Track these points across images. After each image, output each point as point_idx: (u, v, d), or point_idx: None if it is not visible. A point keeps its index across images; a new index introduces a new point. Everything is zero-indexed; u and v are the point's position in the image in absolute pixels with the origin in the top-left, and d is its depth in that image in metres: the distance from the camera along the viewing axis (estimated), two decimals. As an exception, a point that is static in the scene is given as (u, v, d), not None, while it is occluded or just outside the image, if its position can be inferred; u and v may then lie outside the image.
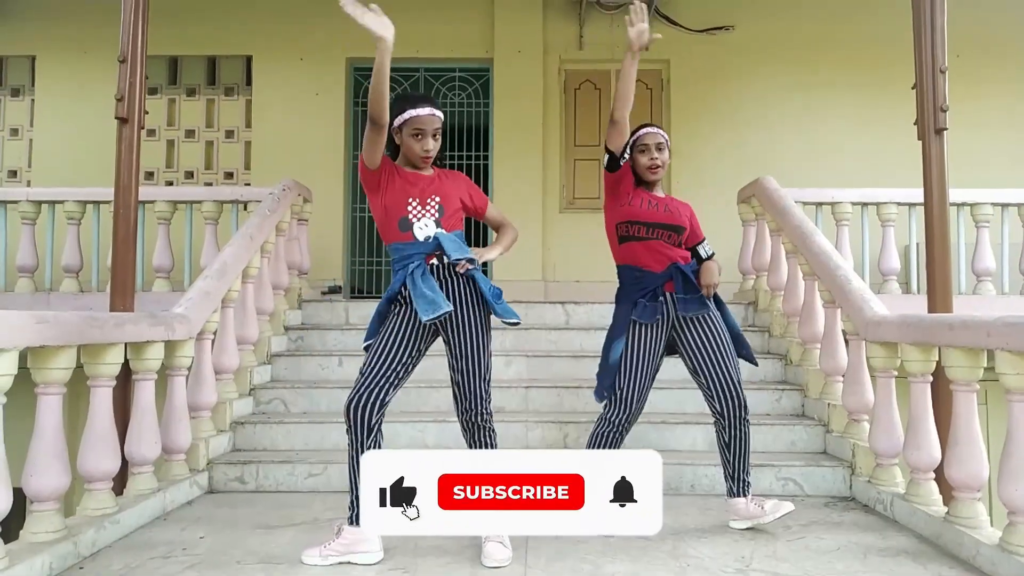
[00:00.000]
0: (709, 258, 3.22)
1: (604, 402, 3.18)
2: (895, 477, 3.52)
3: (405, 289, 2.75)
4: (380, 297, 2.90)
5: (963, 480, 2.89)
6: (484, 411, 2.79)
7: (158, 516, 3.34)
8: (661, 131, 3.20)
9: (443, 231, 2.79)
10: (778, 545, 2.97)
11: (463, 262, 2.76)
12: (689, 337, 3.11)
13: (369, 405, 2.69)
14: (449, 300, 2.72)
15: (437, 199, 2.81)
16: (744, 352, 3.21)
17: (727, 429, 3.08)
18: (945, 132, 3.76)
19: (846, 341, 4.05)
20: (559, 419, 4.25)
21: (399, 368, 2.75)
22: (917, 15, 3.81)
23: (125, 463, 3.29)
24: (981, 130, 7.18)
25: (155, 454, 3.43)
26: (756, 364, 3.34)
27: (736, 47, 7.48)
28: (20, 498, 2.56)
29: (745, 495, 3.13)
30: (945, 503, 3.13)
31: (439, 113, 2.83)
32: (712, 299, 3.15)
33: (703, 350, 3.08)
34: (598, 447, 3.13)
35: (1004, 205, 5.74)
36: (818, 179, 6.57)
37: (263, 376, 4.79)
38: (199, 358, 3.92)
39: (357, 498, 2.65)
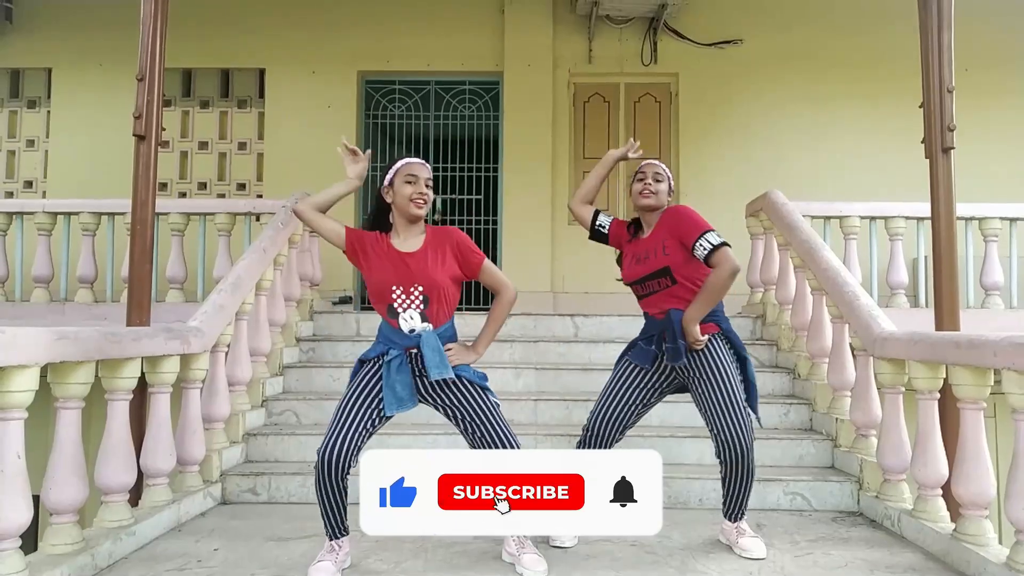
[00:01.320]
0: (707, 260, 2.95)
1: None
2: (903, 493, 3.53)
3: (379, 361, 2.79)
4: None
5: (970, 498, 2.91)
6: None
7: (172, 527, 3.39)
8: (662, 165, 3.25)
9: (429, 327, 2.76)
10: (786, 560, 2.99)
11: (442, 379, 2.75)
12: (695, 379, 3.03)
13: (345, 456, 2.65)
14: (429, 385, 2.78)
15: (420, 288, 2.75)
16: (751, 402, 3.08)
17: (722, 469, 3.04)
18: (952, 151, 3.78)
19: (854, 356, 4.07)
20: (568, 432, 4.27)
21: (370, 421, 2.74)
22: (924, 35, 3.84)
23: (140, 475, 3.34)
24: (990, 143, 7.21)
25: (170, 466, 3.48)
26: (758, 417, 3.14)
27: (745, 61, 7.52)
28: (35, 506, 2.61)
29: (734, 520, 3.11)
30: (953, 520, 3.15)
31: (429, 167, 2.88)
32: (730, 349, 3.06)
33: (703, 396, 3.00)
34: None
35: (1013, 219, 5.75)
36: (826, 193, 6.61)
37: (275, 388, 4.84)
38: (213, 370, 3.98)
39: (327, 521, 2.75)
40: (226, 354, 4.17)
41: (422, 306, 2.76)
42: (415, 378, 2.79)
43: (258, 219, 5.90)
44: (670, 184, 3.22)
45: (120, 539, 2.99)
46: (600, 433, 3.09)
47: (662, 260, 3.05)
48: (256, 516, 3.63)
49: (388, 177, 2.85)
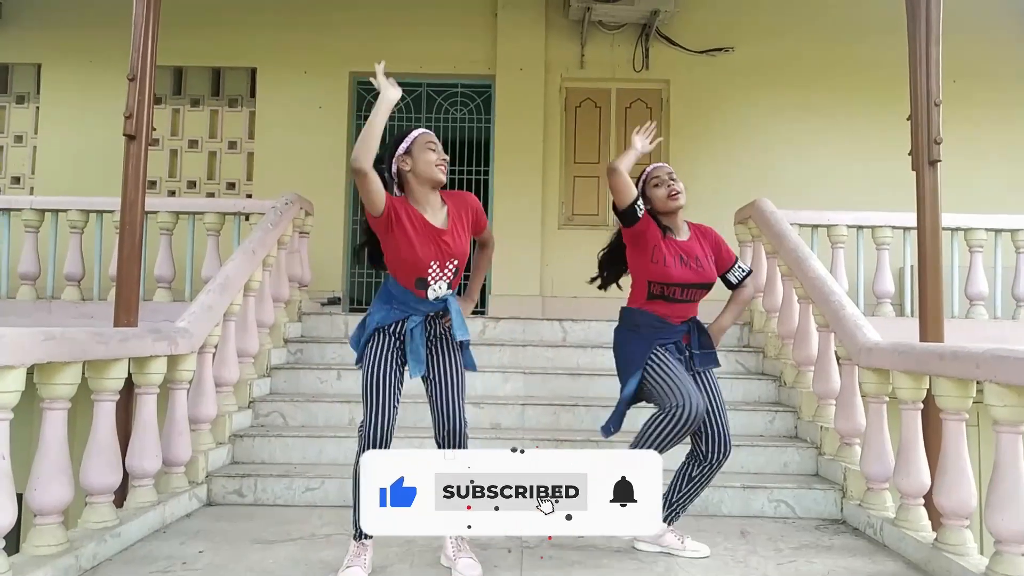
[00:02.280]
0: (740, 284, 3.25)
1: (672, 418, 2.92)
2: (886, 502, 3.57)
3: (398, 330, 2.85)
4: None
5: (952, 508, 2.94)
6: (460, 424, 2.85)
7: (157, 529, 3.38)
8: (668, 166, 3.27)
9: (451, 292, 2.91)
10: (769, 568, 3.02)
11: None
12: (697, 384, 3.08)
13: (389, 433, 2.77)
14: (431, 342, 2.90)
15: (455, 263, 2.85)
16: None
17: (701, 468, 3.08)
18: (939, 163, 3.81)
19: (839, 364, 4.10)
20: (555, 436, 4.29)
21: (399, 392, 2.84)
22: (912, 48, 3.88)
23: (126, 475, 3.33)
24: (976, 154, 7.28)
25: (156, 467, 3.47)
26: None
27: (736, 69, 7.56)
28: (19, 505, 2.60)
29: (672, 523, 3.17)
30: (934, 529, 3.18)
31: None
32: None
33: (707, 398, 3.07)
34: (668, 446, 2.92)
35: (997, 231, 5.81)
36: (814, 201, 6.65)
37: (262, 389, 4.83)
38: (200, 371, 3.97)
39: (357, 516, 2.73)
40: (213, 355, 4.16)
41: (451, 276, 2.87)
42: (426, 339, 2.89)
43: (247, 219, 5.89)
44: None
45: (104, 540, 2.98)
46: (698, 409, 2.91)
47: (712, 275, 3.17)
48: (242, 518, 3.62)
49: (404, 147, 2.86)
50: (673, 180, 3.17)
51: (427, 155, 2.83)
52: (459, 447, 2.85)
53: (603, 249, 3.41)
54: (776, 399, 4.89)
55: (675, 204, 3.15)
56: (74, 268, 5.80)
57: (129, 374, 3.29)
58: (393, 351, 2.84)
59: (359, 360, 2.90)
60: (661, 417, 2.91)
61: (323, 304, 6.94)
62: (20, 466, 2.66)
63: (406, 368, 2.86)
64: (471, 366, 3.00)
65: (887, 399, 3.57)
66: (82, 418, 3.19)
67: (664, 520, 3.11)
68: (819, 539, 3.46)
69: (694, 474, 3.10)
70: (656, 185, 3.18)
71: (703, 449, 3.06)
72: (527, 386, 4.97)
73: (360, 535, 2.79)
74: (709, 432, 3.04)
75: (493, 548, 3.17)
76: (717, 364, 3.18)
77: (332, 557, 3.02)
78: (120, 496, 3.32)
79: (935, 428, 3.28)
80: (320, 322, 5.77)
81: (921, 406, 3.32)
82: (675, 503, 3.15)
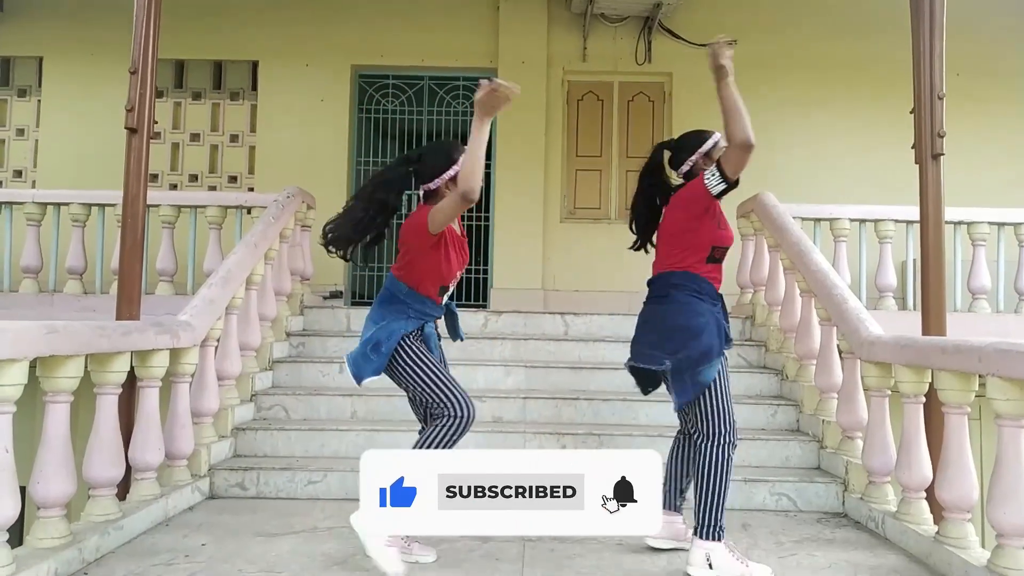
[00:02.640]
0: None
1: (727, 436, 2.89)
2: (887, 495, 3.57)
3: (418, 339, 2.94)
4: None
5: (953, 501, 2.94)
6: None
7: (160, 522, 3.39)
8: None
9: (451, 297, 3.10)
10: (771, 561, 3.01)
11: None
12: None
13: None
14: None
15: (462, 272, 3.04)
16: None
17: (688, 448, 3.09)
18: (942, 157, 3.81)
19: (841, 358, 4.10)
20: (557, 430, 4.30)
21: None
22: (916, 42, 3.87)
23: (128, 468, 3.34)
24: (981, 148, 7.26)
25: (158, 460, 3.47)
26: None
27: (739, 62, 7.36)
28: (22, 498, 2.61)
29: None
30: (936, 522, 3.18)
31: None
32: None
33: None
34: (727, 485, 2.86)
35: (1001, 224, 5.80)
36: (817, 195, 6.64)
37: (264, 382, 4.84)
38: (202, 365, 3.97)
39: None
40: (216, 348, 4.17)
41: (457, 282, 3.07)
42: None
43: (249, 212, 5.88)
44: None
45: (107, 533, 2.99)
46: None
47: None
48: (244, 511, 3.63)
49: (453, 172, 2.88)
50: None
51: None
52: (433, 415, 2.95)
53: (635, 212, 3.27)
54: (778, 393, 4.88)
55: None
56: (76, 261, 5.80)
57: (131, 367, 3.30)
58: (423, 348, 2.93)
59: (374, 371, 2.89)
60: (714, 449, 2.86)
61: (325, 297, 6.95)
62: (23, 459, 2.67)
63: None
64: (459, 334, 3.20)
65: (889, 393, 3.57)
66: (85, 411, 3.20)
67: (676, 509, 3.15)
68: (820, 532, 3.47)
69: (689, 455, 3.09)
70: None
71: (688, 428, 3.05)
72: (529, 380, 4.97)
73: None
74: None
75: (494, 542, 3.18)
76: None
77: (334, 550, 3.04)
78: (123, 489, 3.33)
79: (937, 422, 3.28)
80: (322, 315, 5.77)
81: (923, 400, 3.32)
82: (682, 490, 3.16)
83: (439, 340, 3.07)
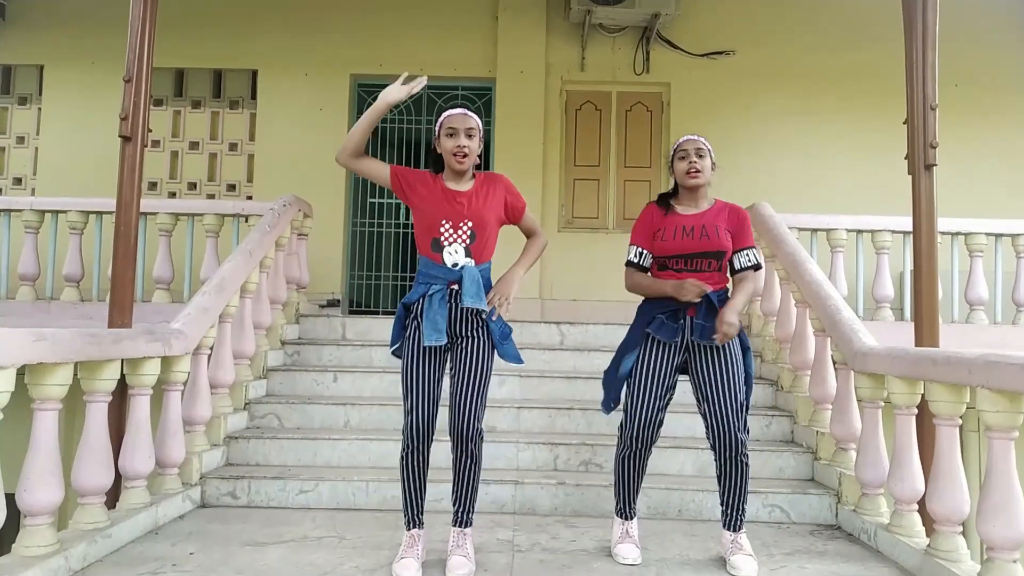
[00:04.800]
0: (741, 271, 3.10)
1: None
2: (880, 507, 3.55)
3: (420, 303, 2.85)
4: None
5: (945, 514, 2.92)
6: (472, 426, 2.82)
7: (150, 530, 3.38)
8: (702, 139, 3.13)
9: (471, 262, 2.85)
10: (762, 574, 3.00)
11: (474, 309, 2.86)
12: (701, 363, 3.01)
13: (428, 427, 2.82)
14: (459, 327, 2.86)
15: (469, 224, 2.85)
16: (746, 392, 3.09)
17: (718, 464, 3.01)
18: (935, 168, 3.80)
19: (835, 369, 4.09)
20: (550, 440, 4.28)
21: (435, 390, 2.85)
22: (909, 53, 3.87)
23: (118, 476, 3.33)
24: (977, 159, 7.28)
25: (149, 468, 3.46)
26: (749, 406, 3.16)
27: (736, 72, 7.56)
28: (11, 505, 2.60)
29: (733, 531, 3.05)
30: (928, 535, 3.16)
31: (472, 115, 2.91)
32: (737, 337, 3.06)
33: (711, 381, 2.98)
34: (621, 472, 3.13)
35: (998, 235, 5.79)
36: (814, 205, 6.65)
37: (258, 391, 4.83)
38: (195, 373, 3.97)
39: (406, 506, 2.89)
40: (209, 356, 4.16)
41: (468, 241, 2.85)
42: (451, 315, 2.86)
43: (247, 220, 5.89)
44: (712, 158, 3.12)
45: (95, 541, 2.98)
46: (647, 429, 3.01)
47: (723, 243, 3.04)
48: (235, 520, 3.62)
49: (436, 129, 2.95)
50: (699, 156, 3.06)
51: (445, 143, 2.87)
52: (469, 450, 2.84)
53: None
54: (773, 403, 4.87)
55: (691, 181, 3.06)
56: (73, 269, 5.81)
57: (123, 375, 3.30)
58: (420, 344, 2.83)
59: (395, 350, 2.94)
60: (617, 443, 3.16)
61: (322, 306, 6.95)
62: (11, 467, 2.67)
63: (438, 363, 2.87)
64: (511, 358, 2.98)
65: (882, 404, 3.56)
66: (78, 418, 3.19)
67: (724, 526, 3.07)
68: (812, 544, 3.45)
69: (717, 472, 3.02)
70: (681, 157, 3.10)
71: (710, 441, 2.99)
72: (523, 389, 4.96)
73: (410, 525, 2.88)
74: (712, 420, 2.96)
75: (484, 552, 3.17)
76: (708, 337, 2.96)
77: (323, 559, 3.03)
78: (112, 497, 3.32)
79: (929, 434, 3.26)
80: (318, 324, 5.77)
81: (915, 411, 3.30)
82: (724, 509, 3.06)
83: (464, 329, 2.87)
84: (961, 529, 2.96)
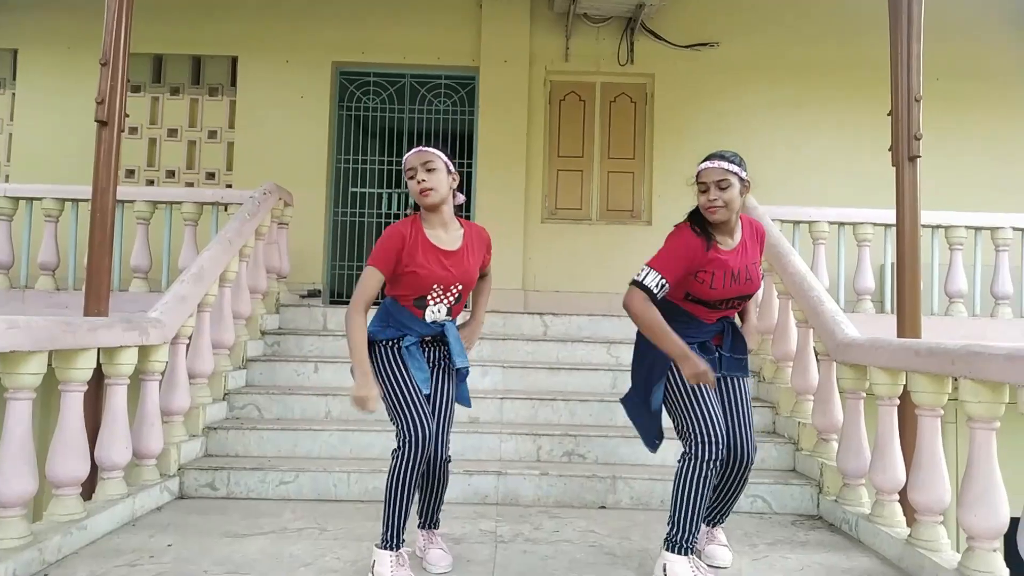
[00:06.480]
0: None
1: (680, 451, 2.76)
2: (861, 497, 3.57)
3: (396, 348, 2.76)
4: None
5: (925, 504, 2.93)
6: (444, 451, 2.78)
7: (127, 522, 3.33)
8: (726, 163, 2.70)
9: (451, 320, 2.81)
10: (743, 564, 3.00)
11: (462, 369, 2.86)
12: (722, 388, 2.87)
13: (439, 442, 2.76)
14: (429, 364, 2.82)
15: (460, 287, 2.77)
16: None
17: (721, 477, 2.86)
18: (919, 159, 3.81)
19: (818, 360, 4.10)
20: (533, 431, 4.26)
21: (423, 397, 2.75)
22: (894, 44, 3.87)
23: (94, 467, 3.27)
24: (959, 153, 7.33)
25: (126, 459, 3.41)
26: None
27: (720, 64, 7.55)
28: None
29: (710, 525, 3.02)
30: (909, 525, 3.18)
31: (429, 149, 2.74)
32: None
33: (728, 403, 2.85)
34: (698, 496, 2.66)
35: (978, 228, 5.83)
36: (797, 197, 6.68)
37: (238, 381, 4.78)
38: (173, 362, 3.91)
39: (392, 524, 2.65)
40: (187, 346, 4.10)
41: (453, 301, 2.79)
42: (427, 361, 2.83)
43: (226, 209, 5.82)
44: (742, 180, 2.71)
45: (70, 533, 2.92)
46: (724, 448, 2.70)
47: (760, 283, 2.89)
48: (214, 511, 3.58)
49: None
50: (720, 188, 2.68)
51: (410, 185, 2.76)
52: (440, 474, 2.81)
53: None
54: (755, 395, 4.88)
55: (712, 217, 2.72)
56: (48, 257, 5.72)
57: (99, 365, 3.24)
58: (400, 359, 2.74)
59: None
60: (689, 468, 2.68)
61: (303, 296, 6.89)
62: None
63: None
64: (464, 401, 2.93)
65: (864, 395, 3.57)
66: (53, 409, 3.13)
67: (705, 520, 2.99)
68: (794, 535, 3.46)
69: (717, 484, 2.88)
70: (703, 191, 2.72)
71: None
72: (506, 380, 4.94)
73: (397, 545, 2.64)
74: (728, 438, 2.80)
75: (467, 542, 3.15)
76: (747, 373, 2.90)
77: (302, 551, 2.99)
78: (89, 489, 3.27)
79: (910, 424, 3.28)
80: (299, 314, 5.71)
81: (897, 402, 3.31)
82: (713, 508, 2.98)
83: (434, 366, 2.83)
84: (942, 519, 2.97)
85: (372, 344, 2.77)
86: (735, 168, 2.70)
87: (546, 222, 7.54)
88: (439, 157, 2.75)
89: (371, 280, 2.70)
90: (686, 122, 7.48)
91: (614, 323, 5.62)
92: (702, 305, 2.79)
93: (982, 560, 2.59)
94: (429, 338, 2.81)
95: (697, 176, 2.76)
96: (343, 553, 2.98)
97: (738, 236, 2.81)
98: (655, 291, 2.66)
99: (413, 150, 2.77)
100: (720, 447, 2.66)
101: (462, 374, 2.90)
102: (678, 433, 2.79)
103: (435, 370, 2.84)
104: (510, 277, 7.23)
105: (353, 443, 4.18)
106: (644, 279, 2.68)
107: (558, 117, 7.65)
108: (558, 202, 7.58)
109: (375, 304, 2.78)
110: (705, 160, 2.76)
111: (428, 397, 2.78)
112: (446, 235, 2.78)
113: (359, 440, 4.18)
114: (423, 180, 2.71)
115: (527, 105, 7.48)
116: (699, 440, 2.67)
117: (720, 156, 2.73)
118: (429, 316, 2.76)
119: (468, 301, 3.03)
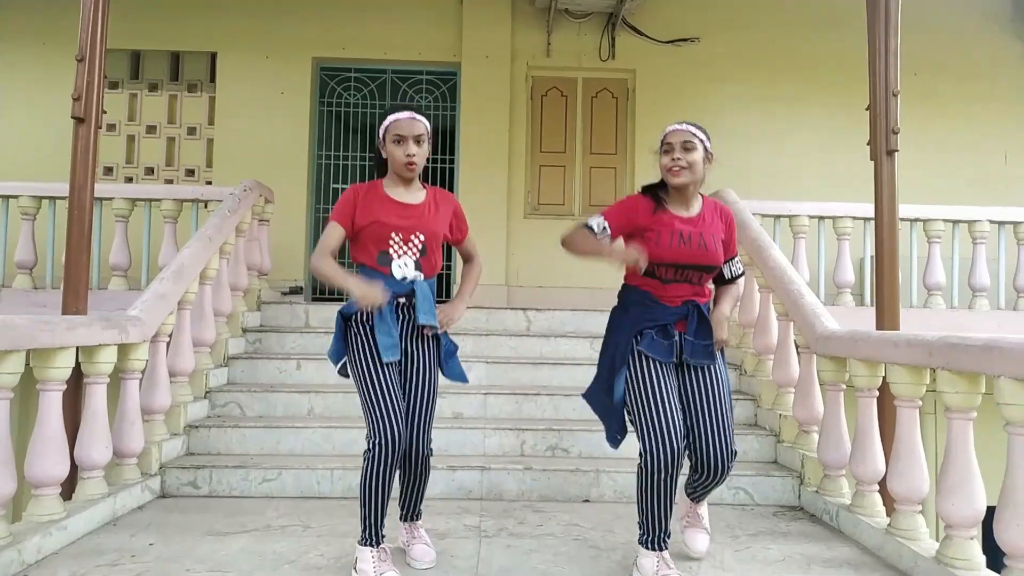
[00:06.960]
0: (733, 280, 2.89)
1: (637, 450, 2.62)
2: (841, 488, 3.60)
3: (367, 316, 2.62)
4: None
5: (904, 493, 2.97)
6: (424, 446, 2.75)
7: (108, 522, 3.30)
8: (693, 127, 2.72)
9: (421, 276, 2.68)
10: (725, 555, 3.03)
11: (427, 327, 2.70)
12: (689, 380, 2.72)
13: (405, 437, 2.62)
14: (409, 344, 2.70)
15: (422, 237, 2.66)
16: None
17: (698, 479, 2.78)
18: (896, 153, 3.85)
19: (798, 353, 4.13)
20: (517, 426, 4.27)
21: (400, 395, 2.64)
22: (872, 39, 3.91)
23: (74, 467, 3.24)
24: (940, 148, 7.40)
25: (106, 459, 3.38)
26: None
27: (701, 59, 7.59)
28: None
29: (694, 501, 3.01)
30: (888, 514, 3.22)
31: (421, 118, 2.67)
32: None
33: (698, 400, 2.69)
34: (654, 498, 2.59)
35: (955, 221, 5.89)
36: (777, 191, 6.72)
37: (219, 379, 4.75)
38: (153, 361, 3.88)
39: (370, 522, 2.61)
40: (168, 344, 4.07)
41: (418, 255, 2.67)
42: (402, 330, 2.68)
43: (206, 206, 5.78)
44: (706, 149, 2.71)
45: (50, 534, 2.89)
46: (681, 445, 2.56)
47: (719, 256, 2.74)
48: (195, 510, 3.55)
49: (380, 131, 2.71)
50: (685, 150, 2.67)
51: (394, 151, 2.65)
52: (421, 468, 2.77)
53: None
54: (737, 387, 4.91)
55: (674, 180, 2.68)
56: (26, 255, 5.65)
57: (78, 364, 3.21)
58: (372, 340, 2.61)
59: (340, 369, 2.74)
60: (640, 474, 2.59)
61: (284, 293, 6.85)
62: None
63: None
64: (458, 376, 2.82)
65: (844, 387, 3.60)
66: (32, 409, 3.09)
67: (688, 494, 2.98)
68: (776, 526, 3.49)
69: (695, 477, 2.78)
70: (666, 151, 2.72)
71: (692, 462, 2.72)
72: (489, 375, 4.95)
73: (376, 541, 2.60)
74: (696, 441, 2.66)
75: (451, 538, 3.15)
76: (711, 359, 2.71)
77: (286, 549, 2.98)
78: (69, 489, 3.23)
79: (889, 415, 3.31)
80: (280, 311, 5.68)
81: (876, 394, 3.35)
82: (694, 489, 2.92)
83: (413, 344, 2.70)
84: (920, 508, 3.01)
85: (346, 320, 2.68)
86: (701, 135, 2.72)
87: (529, 217, 7.54)
88: (428, 129, 2.71)
89: (332, 232, 2.65)
90: (667, 117, 7.40)
91: (597, 318, 5.63)
92: (658, 280, 2.71)
93: (960, 548, 2.63)
94: (404, 301, 2.66)
95: (663, 140, 2.77)
96: (327, 550, 2.97)
97: (696, 209, 2.77)
98: (595, 229, 2.72)
99: (405, 114, 2.65)
100: (670, 455, 2.51)
101: (449, 349, 2.82)
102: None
103: (417, 354, 2.71)
104: (493, 273, 7.22)
105: (336, 440, 4.16)
106: (589, 222, 2.75)
107: (540, 112, 7.65)
108: (541, 197, 7.59)
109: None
110: (671, 125, 2.78)
111: (400, 371, 2.67)
112: (407, 192, 2.72)
113: (342, 437, 4.17)
114: (412, 154, 2.64)
115: (509, 101, 7.48)
116: (647, 447, 2.53)
117: (687, 122, 2.77)
118: (397, 271, 2.63)
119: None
